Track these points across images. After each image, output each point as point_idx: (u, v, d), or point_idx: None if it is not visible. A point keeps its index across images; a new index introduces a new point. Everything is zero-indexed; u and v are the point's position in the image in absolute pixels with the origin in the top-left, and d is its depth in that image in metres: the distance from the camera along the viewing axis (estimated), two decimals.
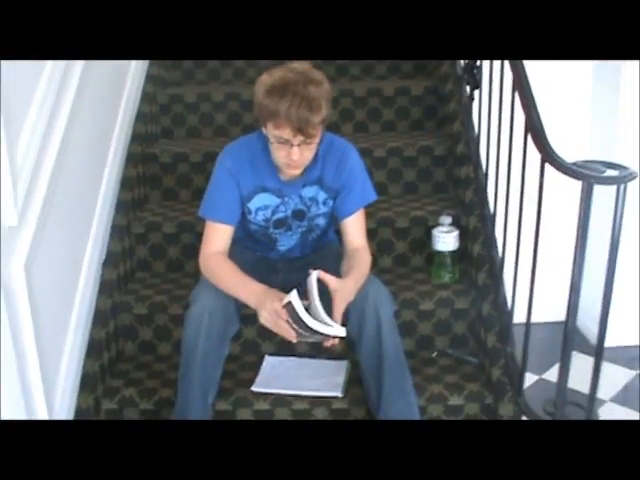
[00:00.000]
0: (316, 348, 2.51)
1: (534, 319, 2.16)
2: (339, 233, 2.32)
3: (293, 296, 1.91)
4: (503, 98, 2.33)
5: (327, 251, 2.37)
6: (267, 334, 2.53)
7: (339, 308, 1.99)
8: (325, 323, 1.93)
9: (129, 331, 2.60)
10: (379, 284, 2.16)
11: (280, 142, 2.02)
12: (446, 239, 2.57)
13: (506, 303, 2.39)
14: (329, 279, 2.01)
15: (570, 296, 1.94)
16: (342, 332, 1.95)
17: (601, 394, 2.06)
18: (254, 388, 2.34)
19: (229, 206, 2.20)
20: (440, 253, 2.58)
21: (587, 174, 1.82)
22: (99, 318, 2.45)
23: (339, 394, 2.30)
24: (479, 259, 2.54)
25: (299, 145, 2.01)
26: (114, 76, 2.87)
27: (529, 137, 2.03)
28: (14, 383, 1.87)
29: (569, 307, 1.95)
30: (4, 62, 1.80)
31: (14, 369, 1.87)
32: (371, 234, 2.57)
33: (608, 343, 1.99)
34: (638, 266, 3.08)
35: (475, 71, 2.71)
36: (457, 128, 2.88)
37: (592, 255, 1.90)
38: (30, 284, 1.94)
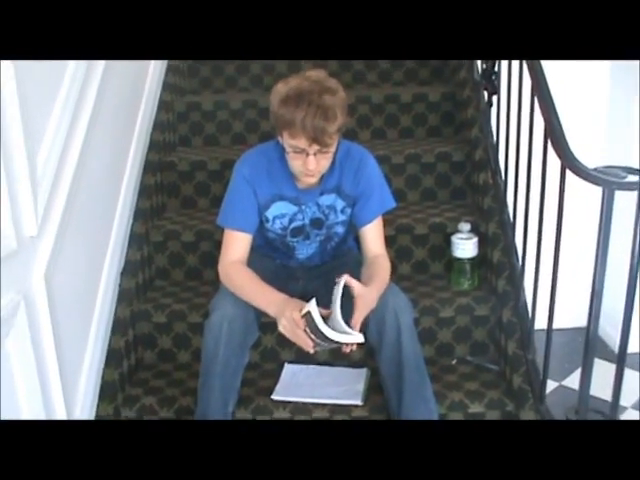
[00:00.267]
0: (336, 356, 2.52)
1: (553, 325, 2.15)
2: (358, 241, 2.31)
3: (312, 306, 1.90)
4: (522, 104, 2.32)
5: (347, 258, 2.36)
6: (286, 342, 2.50)
7: (361, 315, 1.99)
8: (343, 332, 1.93)
9: (148, 339, 2.60)
10: (399, 291, 2.15)
11: (296, 151, 2.02)
12: (465, 246, 2.55)
13: (526, 310, 2.37)
14: (355, 284, 2.00)
15: (592, 303, 1.92)
16: (360, 339, 1.94)
17: (622, 401, 2.03)
18: (274, 396, 2.34)
19: (247, 214, 2.20)
20: (459, 260, 2.57)
21: (608, 180, 1.80)
22: (118, 327, 2.46)
23: (359, 402, 2.29)
24: (499, 266, 2.52)
25: (315, 154, 2.01)
26: (131, 85, 2.88)
27: (549, 143, 2.01)
28: (35, 392, 1.88)
29: (591, 314, 1.93)
30: (24, 74, 1.82)
31: (35, 378, 1.87)
32: (390, 241, 2.56)
33: (629, 349, 1.97)
34: None
35: (493, 77, 2.70)
36: (475, 134, 2.87)
37: (612, 260, 1.89)
38: (50, 293, 1.95)
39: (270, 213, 2.22)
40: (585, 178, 1.85)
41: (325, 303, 2.01)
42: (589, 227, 2.01)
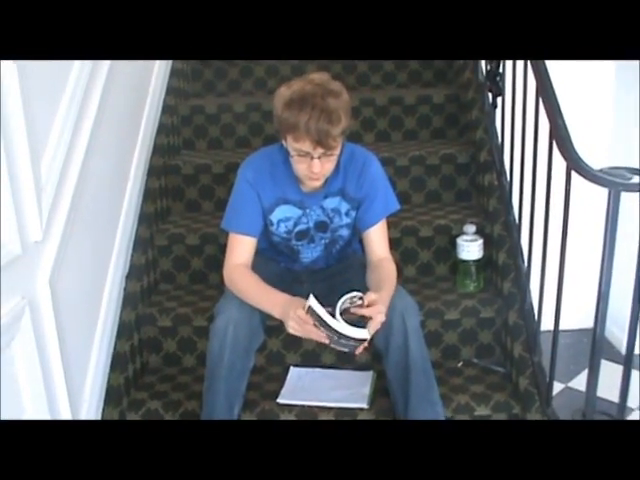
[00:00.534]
0: (341, 359, 2.51)
1: (559, 326, 2.14)
2: (362, 243, 2.31)
3: (312, 300, 1.90)
4: (527, 105, 2.31)
5: (351, 261, 2.35)
6: (292, 345, 2.53)
7: (378, 321, 1.96)
8: (349, 324, 1.93)
9: (153, 343, 2.60)
10: (405, 294, 2.14)
11: (300, 155, 2.02)
12: (470, 248, 2.55)
13: (532, 312, 2.37)
14: (367, 296, 1.97)
15: (598, 304, 1.92)
16: (365, 334, 1.93)
17: (629, 402, 2.03)
18: (280, 400, 2.33)
19: (251, 218, 2.19)
20: (465, 262, 2.56)
21: (614, 181, 1.79)
22: (123, 331, 2.46)
23: (365, 405, 2.28)
24: (504, 267, 2.51)
25: (319, 157, 2.00)
26: (135, 89, 2.88)
27: (554, 144, 2.00)
28: (40, 396, 1.88)
29: (597, 315, 1.92)
30: (28, 78, 1.82)
31: (40, 383, 1.87)
32: (395, 243, 2.56)
33: (636, 350, 1.96)
34: None
35: (498, 78, 2.69)
36: (480, 136, 2.86)
37: (618, 261, 1.88)
38: (55, 298, 1.95)
39: (274, 217, 2.22)
40: (591, 179, 1.84)
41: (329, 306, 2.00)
42: (595, 228, 2.00)
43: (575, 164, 1.89)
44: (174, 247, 2.77)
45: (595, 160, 1.90)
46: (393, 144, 3.12)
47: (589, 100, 3.17)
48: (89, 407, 2.18)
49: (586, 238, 2.45)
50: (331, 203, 2.22)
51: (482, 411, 2.28)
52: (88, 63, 2.25)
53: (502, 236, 2.58)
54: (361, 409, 2.28)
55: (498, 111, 2.73)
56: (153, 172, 2.89)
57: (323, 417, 2.28)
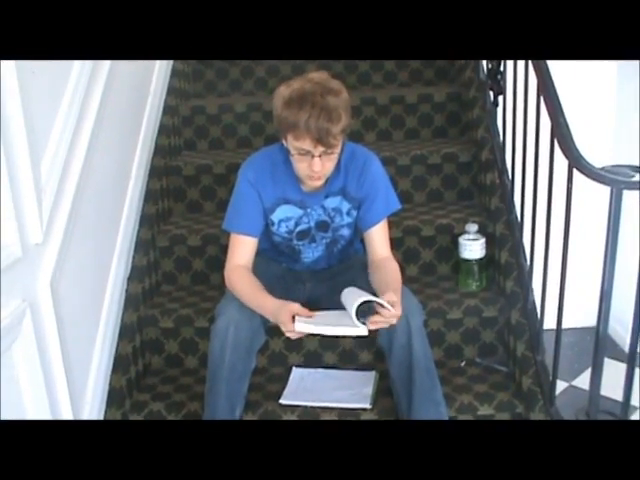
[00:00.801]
0: (344, 359, 2.51)
1: (562, 325, 2.13)
2: (363, 243, 2.30)
3: (298, 325, 1.93)
4: (528, 103, 2.30)
5: (353, 261, 2.35)
6: (294, 346, 2.52)
7: (391, 323, 1.96)
8: (344, 325, 1.93)
9: (155, 345, 2.59)
10: (409, 293, 2.14)
11: (301, 154, 2.01)
12: (473, 247, 2.54)
13: (535, 310, 2.36)
14: (386, 296, 1.96)
15: (601, 302, 1.91)
16: (364, 331, 1.93)
17: (633, 401, 2.02)
18: (282, 401, 2.33)
19: (252, 218, 2.19)
20: (467, 261, 2.56)
21: (616, 179, 1.78)
22: (125, 332, 2.45)
23: (368, 405, 2.28)
24: (507, 266, 2.51)
25: (320, 156, 2.00)
26: (136, 90, 2.88)
27: (555, 142, 2.00)
28: (42, 399, 1.87)
29: (600, 314, 1.91)
30: (28, 79, 1.81)
31: (41, 385, 1.87)
32: (397, 243, 2.56)
33: (639, 348, 1.95)
34: None
35: (499, 76, 2.69)
36: (481, 134, 2.85)
37: (621, 259, 1.87)
38: (56, 300, 1.95)
39: (275, 217, 2.22)
40: (593, 178, 1.83)
41: (331, 306, 2.00)
42: (597, 226, 1.99)
43: (577, 162, 1.88)
44: (176, 248, 2.76)
45: (598, 158, 1.89)
46: (394, 143, 3.11)
47: (591, 97, 3.17)
48: (91, 409, 2.18)
49: (588, 236, 2.43)
50: (332, 203, 2.21)
51: (485, 410, 2.28)
52: (88, 64, 2.24)
53: (504, 235, 2.57)
54: (364, 409, 2.27)
55: (499, 109, 2.72)
56: (154, 173, 2.88)
57: (326, 417, 2.27)
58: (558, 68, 2.15)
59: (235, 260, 2.18)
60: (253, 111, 3.18)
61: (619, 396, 1.99)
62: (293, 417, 2.28)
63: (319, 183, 2.13)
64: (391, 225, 2.29)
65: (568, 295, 2.08)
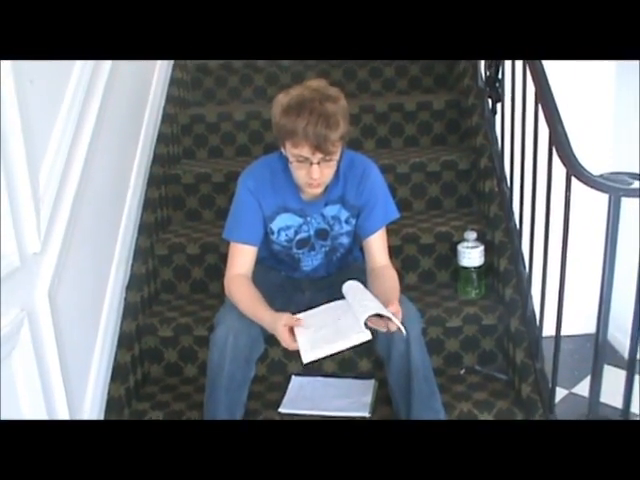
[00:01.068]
0: (343, 367, 2.50)
1: (562, 332, 2.13)
2: (362, 251, 2.30)
3: (306, 358, 1.93)
4: (526, 111, 2.30)
5: (352, 269, 2.34)
6: (293, 354, 2.49)
7: (392, 330, 1.95)
8: (344, 337, 1.92)
9: (154, 354, 2.59)
10: (407, 302, 2.13)
11: (299, 161, 2.01)
12: (471, 254, 2.54)
13: (534, 318, 2.35)
14: (392, 306, 1.95)
15: (600, 309, 1.90)
16: (367, 336, 1.91)
17: (633, 408, 2.01)
18: (281, 409, 2.32)
19: (252, 227, 2.19)
20: (466, 269, 2.56)
21: (615, 187, 1.78)
22: (124, 341, 2.45)
23: (367, 414, 2.27)
24: (506, 274, 2.50)
25: (319, 163, 2.00)
26: (135, 98, 2.88)
27: (554, 150, 2.00)
28: (40, 408, 1.87)
29: (599, 320, 1.91)
30: (26, 86, 1.81)
31: (39, 394, 1.86)
32: (396, 251, 2.56)
33: (639, 355, 1.95)
34: None
35: (497, 84, 2.69)
36: (480, 142, 2.85)
37: (620, 266, 1.87)
38: (54, 310, 1.94)
39: (275, 225, 2.21)
40: (591, 185, 1.83)
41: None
42: (596, 233, 1.99)
43: (575, 170, 1.88)
44: (174, 257, 2.76)
45: (596, 165, 1.89)
46: (393, 151, 3.11)
47: (589, 104, 3.17)
48: (89, 418, 2.17)
49: (587, 243, 2.44)
50: (331, 211, 2.21)
51: (484, 418, 2.27)
52: (87, 71, 2.25)
53: (503, 242, 2.57)
54: (363, 418, 2.27)
55: (498, 117, 2.72)
56: (153, 181, 2.88)
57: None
58: (556, 74, 2.16)
59: (235, 269, 2.17)
60: (252, 119, 3.18)
61: (619, 403, 1.99)
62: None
63: (318, 191, 2.13)
64: (390, 233, 2.29)
65: (567, 302, 2.07)
